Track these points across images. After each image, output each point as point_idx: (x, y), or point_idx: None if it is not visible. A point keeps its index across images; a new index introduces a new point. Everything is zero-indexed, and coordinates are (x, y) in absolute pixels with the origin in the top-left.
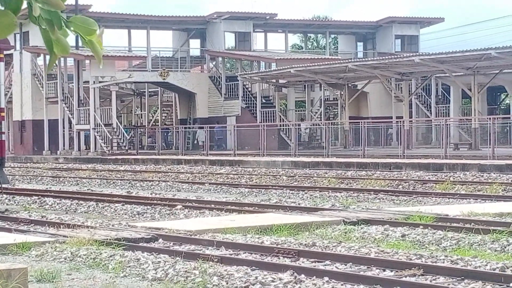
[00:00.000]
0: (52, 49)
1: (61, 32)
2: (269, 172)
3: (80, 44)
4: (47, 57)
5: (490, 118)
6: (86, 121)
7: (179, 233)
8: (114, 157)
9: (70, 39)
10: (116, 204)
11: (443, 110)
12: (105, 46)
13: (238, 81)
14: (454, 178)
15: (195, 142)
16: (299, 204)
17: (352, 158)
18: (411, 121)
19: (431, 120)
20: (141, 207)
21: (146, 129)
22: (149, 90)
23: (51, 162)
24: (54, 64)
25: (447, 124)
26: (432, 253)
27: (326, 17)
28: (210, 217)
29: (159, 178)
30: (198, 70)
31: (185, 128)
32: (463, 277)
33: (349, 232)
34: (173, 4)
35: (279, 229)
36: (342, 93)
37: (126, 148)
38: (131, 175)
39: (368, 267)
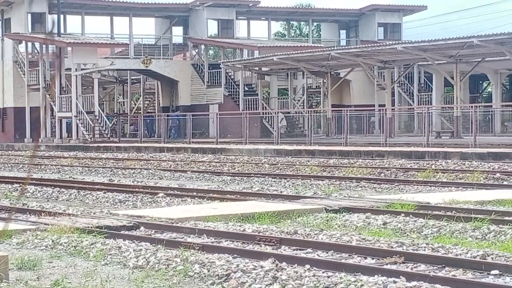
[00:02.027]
0: None
1: None
2: (252, 160)
3: (61, 31)
4: (29, 44)
5: (472, 106)
6: (68, 109)
7: (161, 221)
8: (96, 145)
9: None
10: (98, 192)
11: (426, 98)
12: (87, 33)
13: (221, 68)
14: (436, 166)
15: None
16: (281, 192)
17: (335, 146)
18: (394, 109)
19: (413, 108)
20: (123, 195)
21: (129, 117)
22: (132, 77)
23: (32, 149)
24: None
25: (429, 112)
26: (413, 241)
27: (309, 5)
28: (192, 205)
29: (141, 166)
30: (180, 57)
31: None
32: (444, 265)
33: (331, 220)
34: None
35: (261, 217)
36: (324, 81)
37: (108, 136)
38: (113, 163)
39: (349, 255)
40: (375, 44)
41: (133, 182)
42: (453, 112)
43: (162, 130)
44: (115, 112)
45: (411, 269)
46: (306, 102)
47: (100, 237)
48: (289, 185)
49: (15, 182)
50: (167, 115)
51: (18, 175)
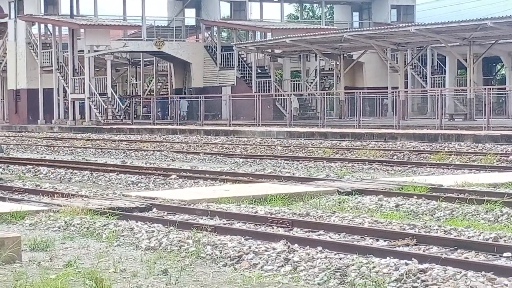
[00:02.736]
0: None
1: None
2: (264, 142)
3: (74, 13)
4: (42, 25)
5: (485, 89)
6: (81, 91)
7: (173, 203)
8: (109, 126)
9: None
10: (111, 174)
11: (439, 80)
12: (100, 15)
13: (234, 51)
14: (449, 149)
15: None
16: (293, 174)
17: (347, 129)
18: (407, 91)
19: (426, 91)
20: (135, 176)
21: (141, 98)
22: (144, 59)
23: (45, 131)
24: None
25: (443, 95)
26: (425, 223)
27: None
28: (204, 187)
29: (154, 147)
30: (193, 39)
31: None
32: (456, 247)
33: (343, 202)
34: None
35: (273, 199)
36: (337, 63)
37: (121, 117)
38: (125, 144)
39: (361, 237)
40: (388, 26)
41: (145, 164)
42: (466, 94)
43: (175, 112)
44: (127, 94)
45: (423, 251)
46: (319, 84)
47: (113, 219)
48: (302, 167)
49: (28, 163)
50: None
51: (32, 156)
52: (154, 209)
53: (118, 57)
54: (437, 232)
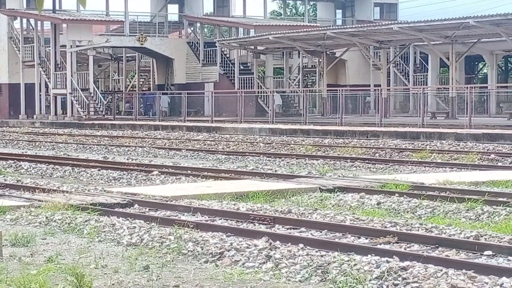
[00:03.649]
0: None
1: None
2: (246, 139)
3: (57, 7)
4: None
5: (467, 87)
6: (63, 86)
7: (155, 199)
8: (90, 122)
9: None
10: (92, 169)
11: (421, 78)
12: (82, 10)
13: (216, 47)
14: (430, 147)
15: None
16: (275, 171)
17: (330, 126)
18: (389, 89)
19: (408, 89)
20: (117, 172)
21: (124, 94)
22: (127, 55)
23: (27, 126)
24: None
25: (425, 93)
26: (407, 221)
27: None
28: (187, 183)
29: (136, 143)
30: (176, 35)
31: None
32: (437, 245)
33: (325, 200)
34: None
35: (255, 195)
36: (320, 60)
37: (103, 113)
38: (107, 140)
39: (343, 234)
40: (371, 24)
41: (127, 159)
42: (448, 93)
43: (157, 108)
44: (110, 89)
45: (405, 249)
46: (301, 81)
47: (94, 214)
48: (284, 164)
49: (10, 158)
50: (143, 95)
51: (13, 151)
52: (136, 205)
53: (100, 53)
54: (418, 230)
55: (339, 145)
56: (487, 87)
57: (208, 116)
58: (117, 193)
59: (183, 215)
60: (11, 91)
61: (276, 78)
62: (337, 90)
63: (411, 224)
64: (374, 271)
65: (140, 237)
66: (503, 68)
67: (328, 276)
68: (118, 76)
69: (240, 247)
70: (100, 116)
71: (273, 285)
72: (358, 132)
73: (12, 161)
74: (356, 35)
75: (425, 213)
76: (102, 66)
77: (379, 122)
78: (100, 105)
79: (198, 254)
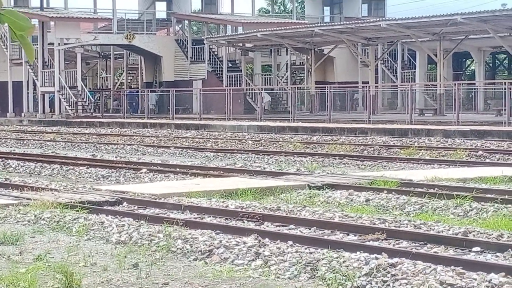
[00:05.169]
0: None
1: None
2: (235, 137)
3: (44, 5)
4: None
5: (455, 84)
6: (50, 84)
7: (144, 197)
8: (79, 120)
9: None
10: (81, 167)
11: (409, 75)
12: (70, 7)
13: (205, 44)
14: (419, 144)
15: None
16: (264, 168)
17: (318, 123)
18: (377, 86)
19: (396, 86)
20: (105, 170)
21: (112, 92)
22: (115, 52)
23: (15, 124)
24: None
25: (413, 90)
26: (395, 217)
27: None
28: (175, 181)
29: (124, 141)
30: (164, 33)
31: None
32: (426, 242)
33: (314, 197)
34: None
35: (244, 193)
36: (308, 57)
37: (91, 111)
38: (96, 138)
39: (332, 231)
40: (359, 21)
41: (116, 157)
42: (436, 89)
43: (145, 105)
44: (98, 87)
45: (393, 246)
46: (289, 78)
47: (83, 212)
48: (272, 162)
49: None
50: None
51: (1, 150)
52: (125, 203)
53: (88, 50)
54: (407, 227)
55: (328, 142)
56: (474, 83)
57: (197, 114)
58: (106, 191)
59: (172, 212)
60: None
61: (265, 75)
62: (325, 87)
63: (400, 221)
64: (363, 268)
65: (129, 235)
66: (491, 64)
67: (317, 273)
68: (106, 74)
69: (229, 244)
70: (88, 114)
71: (262, 282)
72: (347, 129)
73: (0, 160)
74: (344, 32)
75: (414, 210)
76: (90, 64)
77: (367, 119)
78: (88, 103)
79: (187, 251)
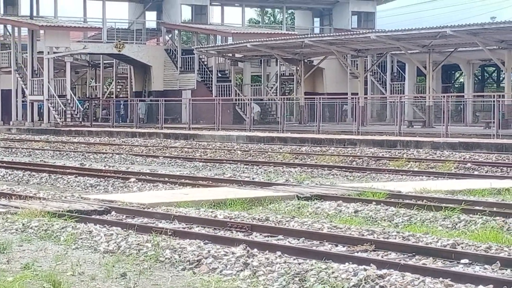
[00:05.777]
0: None
1: None
2: (224, 147)
3: (34, 13)
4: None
5: (444, 96)
6: (39, 92)
7: (132, 206)
8: (67, 128)
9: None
10: (69, 176)
11: (398, 87)
12: (60, 16)
13: (194, 54)
14: (407, 155)
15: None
16: (253, 178)
17: (307, 134)
18: (366, 97)
19: (386, 97)
20: (94, 179)
21: (101, 101)
22: (104, 62)
23: (3, 132)
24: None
25: (402, 102)
26: (384, 229)
27: None
28: (164, 191)
29: (113, 150)
30: (154, 42)
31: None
32: (414, 253)
33: (302, 207)
34: None
35: (232, 203)
36: (298, 68)
37: (80, 120)
38: (84, 147)
39: (320, 242)
40: (349, 33)
41: (104, 166)
42: (425, 101)
43: (134, 115)
44: (87, 96)
45: (382, 257)
46: (279, 89)
47: (71, 221)
48: (261, 172)
49: None
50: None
51: None
52: (113, 212)
53: (77, 59)
54: (395, 238)
55: (317, 153)
56: (463, 96)
57: (186, 124)
58: (94, 200)
59: (161, 222)
60: None
61: (254, 85)
62: (314, 98)
63: (388, 232)
64: (351, 279)
65: (117, 244)
66: (480, 77)
67: (305, 284)
68: (96, 83)
69: (218, 254)
70: (77, 122)
71: None
72: (336, 140)
73: None
74: (333, 44)
75: (402, 221)
76: (80, 72)
77: (356, 130)
78: (77, 112)
79: (176, 261)
